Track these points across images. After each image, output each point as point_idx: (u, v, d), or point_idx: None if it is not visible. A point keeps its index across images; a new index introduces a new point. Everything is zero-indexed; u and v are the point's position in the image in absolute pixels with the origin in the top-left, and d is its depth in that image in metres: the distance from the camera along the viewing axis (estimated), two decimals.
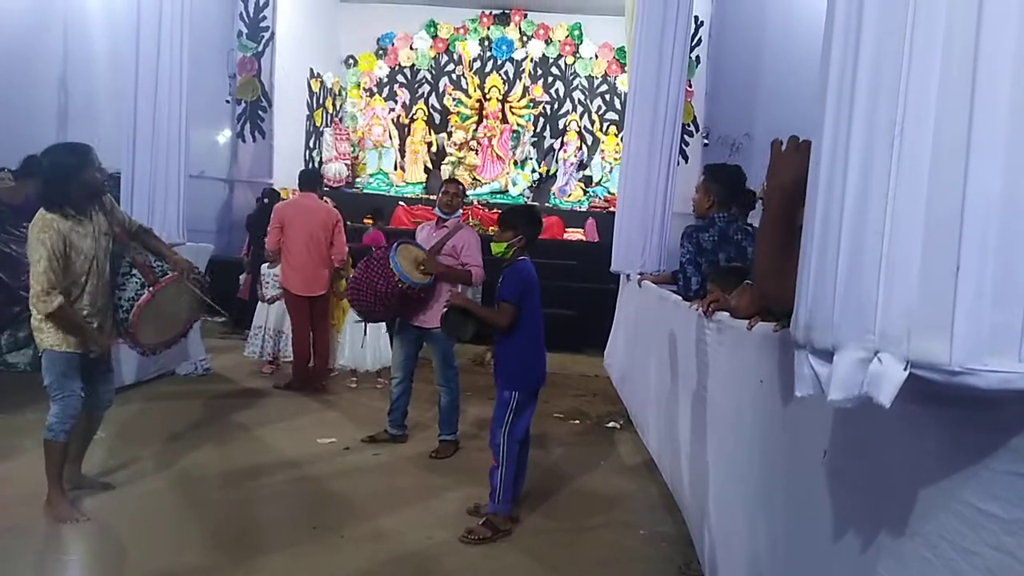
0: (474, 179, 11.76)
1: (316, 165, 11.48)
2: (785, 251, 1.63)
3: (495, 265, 3.94)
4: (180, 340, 4.20)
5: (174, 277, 3.70)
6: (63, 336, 3.41)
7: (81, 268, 3.42)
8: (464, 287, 4.77)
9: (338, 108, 12.30)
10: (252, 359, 6.66)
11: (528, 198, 11.66)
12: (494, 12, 12.44)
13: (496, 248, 3.73)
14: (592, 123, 12.22)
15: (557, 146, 12.14)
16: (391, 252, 4.46)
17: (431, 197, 11.25)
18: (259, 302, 6.65)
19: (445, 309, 3.83)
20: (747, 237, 3.88)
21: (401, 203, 11.01)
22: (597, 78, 12.35)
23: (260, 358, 6.63)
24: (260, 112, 10.16)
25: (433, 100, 12.57)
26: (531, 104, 12.26)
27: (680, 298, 4.03)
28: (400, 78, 12.62)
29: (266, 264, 6.61)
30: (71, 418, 3.45)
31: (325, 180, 10.28)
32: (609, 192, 11.39)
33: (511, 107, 12.18)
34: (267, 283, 6.59)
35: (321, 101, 11.77)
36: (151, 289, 3.61)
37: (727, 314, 2.85)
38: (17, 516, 3.42)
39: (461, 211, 5.01)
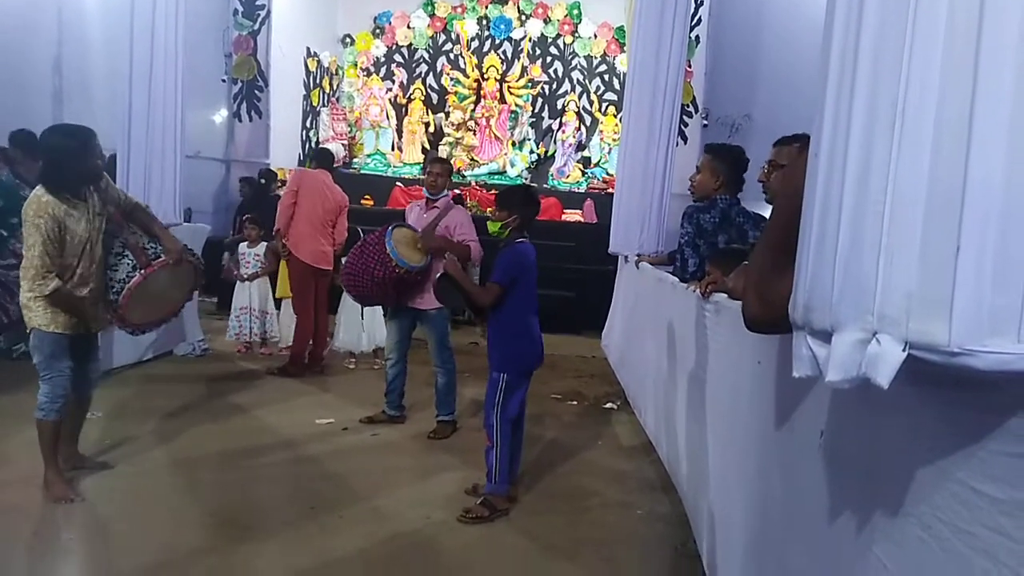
0: (472, 160, 11.71)
1: (313, 145, 11.43)
2: (781, 251, 1.55)
3: (494, 245, 3.93)
4: (169, 320, 4.20)
5: (166, 262, 3.69)
6: (52, 316, 3.41)
7: (73, 251, 3.42)
8: (464, 264, 4.74)
9: (335, 88, 12.21)
10: (236, 341, 6.63)
11: (526, 179, 11.61)
12: None
13: (492, 227, 3.74)
14: (591, 103, 12.14)
15: (555, 127, 12.08)
16: (386, 237, 4.39)
17: None
18: (237, 283, 6.57)
19: (440, 274, 3.84)
20: (749, 220, 3.85)
21: (398, 183, 10.97)
22: (596, 58, 12.26)
23: (241, 340, 6.58)
24: (256, 92, 10.10)
25: (431, 80, 12.48)
26: (529, 84, 12.17)
27: (677, 279, 4.03)
28: (397, 57, 12.52)
29: (245, 243, 6.59)
30: (61, 397, 3.47)
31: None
32: (608, 173, 11.35)
33: (509, 87, 12.10)
34: (247, 262, 6.56)
35: (318, 81, 11.68)
36: (143, 272, 3.61)
37: (724, 295, 2.85)
38: (15, 497, 3.44)
39: (449, 192, 4.95)
